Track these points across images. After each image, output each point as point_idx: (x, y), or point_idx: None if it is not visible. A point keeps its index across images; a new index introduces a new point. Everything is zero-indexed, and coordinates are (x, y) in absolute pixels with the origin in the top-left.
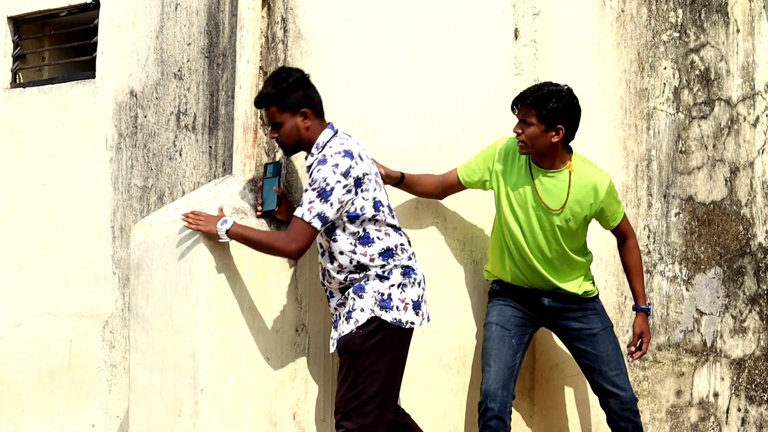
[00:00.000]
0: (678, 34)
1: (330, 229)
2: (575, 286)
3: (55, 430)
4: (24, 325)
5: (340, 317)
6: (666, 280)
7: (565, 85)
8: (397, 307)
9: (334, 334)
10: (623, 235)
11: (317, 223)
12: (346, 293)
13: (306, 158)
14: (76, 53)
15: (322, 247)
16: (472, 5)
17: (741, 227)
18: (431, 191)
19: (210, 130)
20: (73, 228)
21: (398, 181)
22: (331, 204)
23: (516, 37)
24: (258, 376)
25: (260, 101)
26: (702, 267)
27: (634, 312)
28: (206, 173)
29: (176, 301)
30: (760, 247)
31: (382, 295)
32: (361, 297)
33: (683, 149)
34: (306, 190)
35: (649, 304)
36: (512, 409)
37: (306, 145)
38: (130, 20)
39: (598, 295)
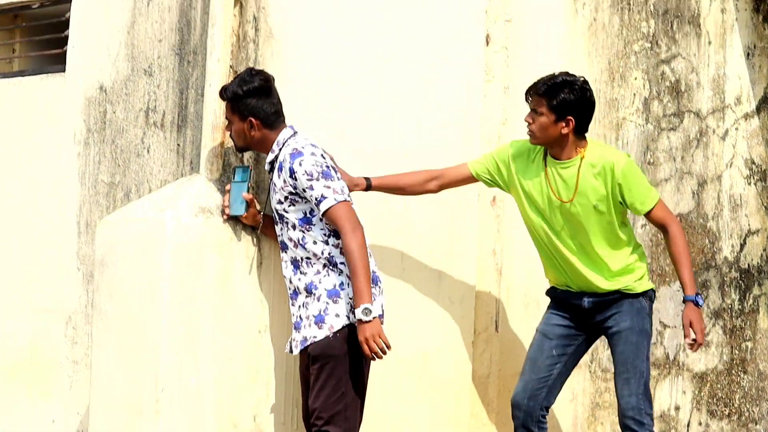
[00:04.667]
0: (649, 45)
1: (307, 217)
2: (615, 282)
3: (15, 425)
4: None
5: (303, 319)
6: None
7: (581, 77)
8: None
9: (297, 336)
10: (661, 223)
11: (346, 195)
12: (316, 295)
13: (268, 155)
14: (47, 46)
15: (291, 240)
16: (444, 9)
17: (707, 241)
18: (417, 189)
19: (179, 128)
20: (39, 222)
21: (366, 187)
22: (339, 178)
23: (487, 43)
24: (220, 377)
25: (221, 94)
26: (667, 279)
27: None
28: (173, 171)
29: (140, 299)
30: (725, 261)
31: (351, 299)
32: (336, 302)
33: (651, 160)
34: (310, 188)
35: (698, 294)
36: (544, 418)
37: (258, 147)
38: (102, 15)
39: (649, 291)
